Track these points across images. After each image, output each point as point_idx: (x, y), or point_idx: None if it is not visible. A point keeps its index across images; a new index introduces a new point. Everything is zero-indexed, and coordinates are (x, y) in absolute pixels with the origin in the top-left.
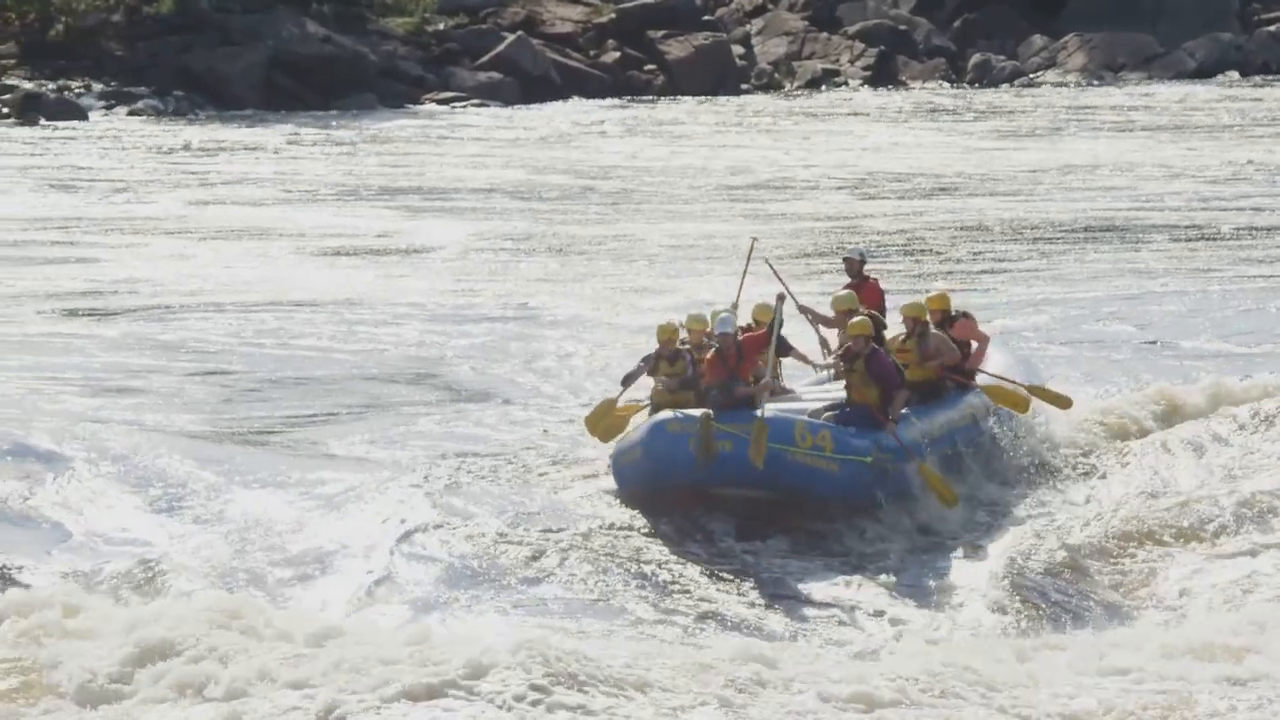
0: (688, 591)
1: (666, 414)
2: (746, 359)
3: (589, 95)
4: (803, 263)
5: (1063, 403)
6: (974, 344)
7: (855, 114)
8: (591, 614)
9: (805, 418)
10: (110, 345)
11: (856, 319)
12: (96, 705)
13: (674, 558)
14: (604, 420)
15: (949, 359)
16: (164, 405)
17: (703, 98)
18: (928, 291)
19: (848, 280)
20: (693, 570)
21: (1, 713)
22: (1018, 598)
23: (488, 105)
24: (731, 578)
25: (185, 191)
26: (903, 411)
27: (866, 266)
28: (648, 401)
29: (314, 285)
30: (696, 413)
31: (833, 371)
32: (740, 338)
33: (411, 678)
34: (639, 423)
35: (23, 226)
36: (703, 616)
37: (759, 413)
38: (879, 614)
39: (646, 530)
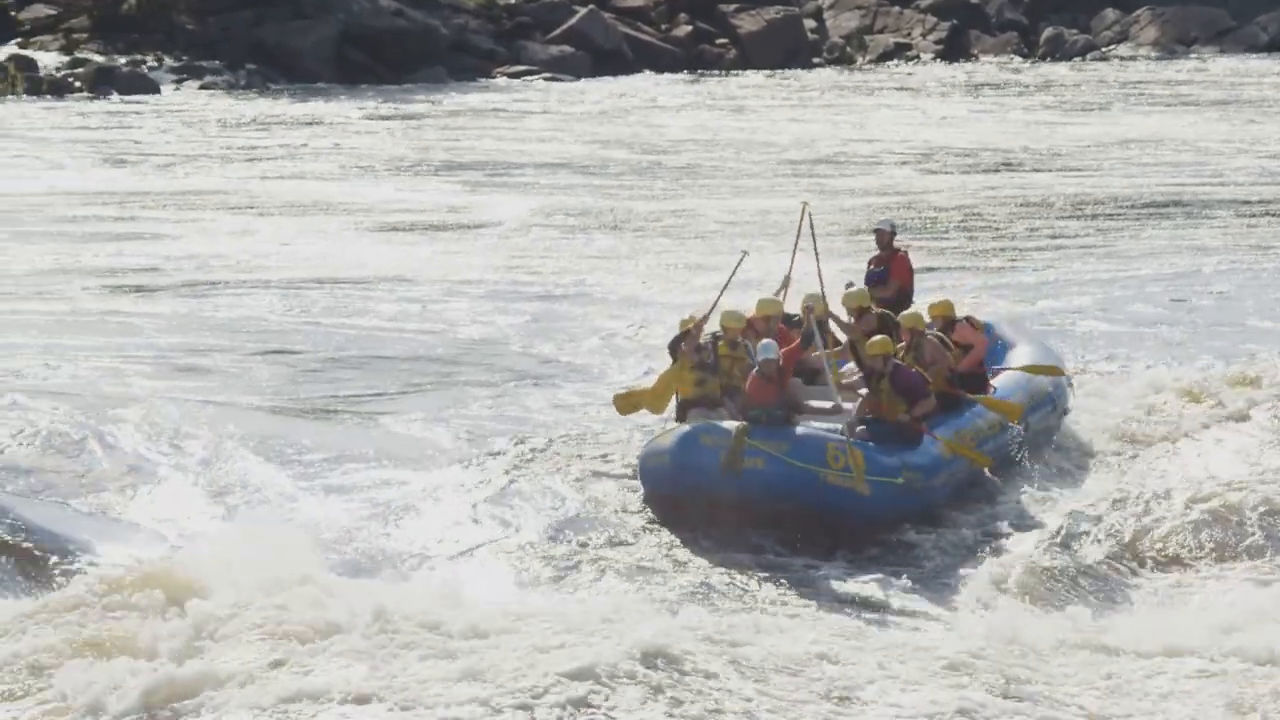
0: (763, 593)
1: (700, 424)
2: (785, 373)
3: (660, 69)
4: (858, 240)
5: (1054, 372)
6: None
7: (924, 88)
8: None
9: (837, 436)
10: (175, 323)
11: (875, 339)
12: (168, 689)
13: (732, 566)
14: (628, 400)
15: (943, 364)
16: (230, 386)
17: (773, 72)
18: (977, 268)
19: (878, 252)
20: (761, 576)
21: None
22: (1064, 589)
23: (559, 79)
24: (789, 584)
25: (252, 166)
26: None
27: (897, 238)
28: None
29: (374, 262)
30: (731, 425)
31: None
32: (781, 361)
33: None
34: (671, 427)
35: (86, 201)
36: (790, 615)
37: (847, 437)
38: (940, 612)
39: (691, 533)
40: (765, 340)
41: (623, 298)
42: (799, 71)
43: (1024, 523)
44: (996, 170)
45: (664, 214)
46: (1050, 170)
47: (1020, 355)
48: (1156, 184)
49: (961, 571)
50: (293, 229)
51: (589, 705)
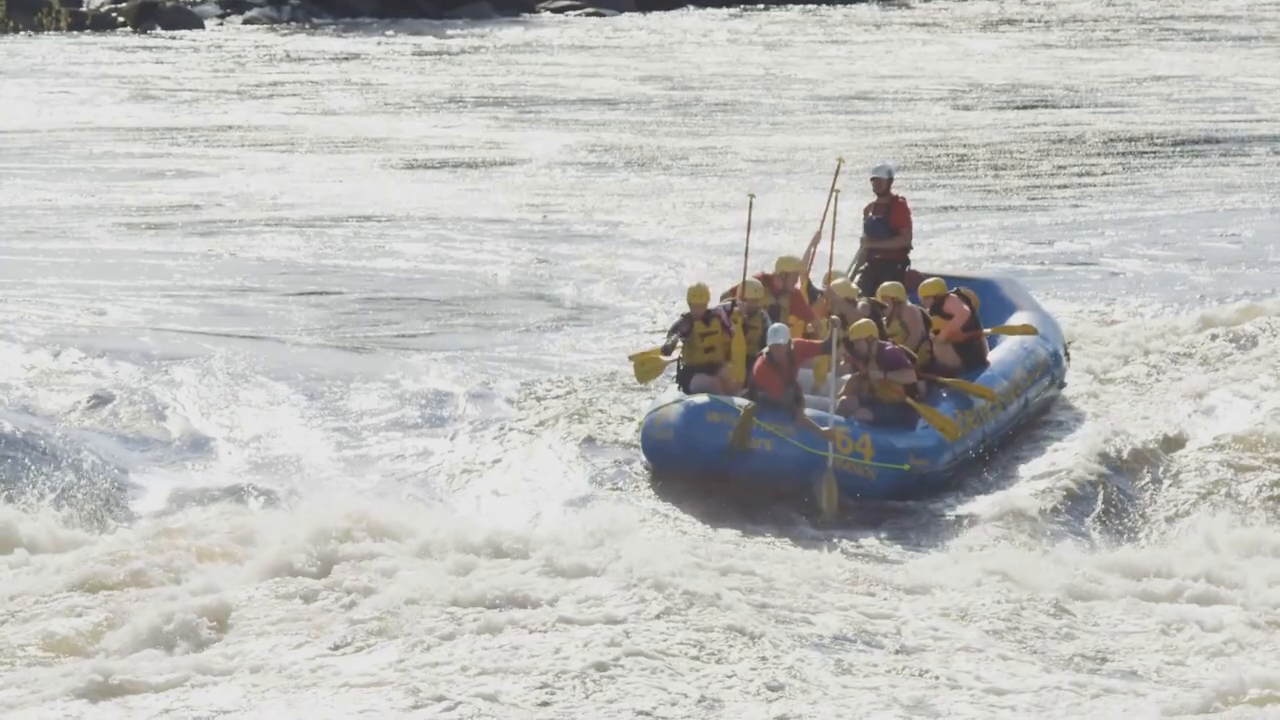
0: (797, 557)
1: (707, 400)
2: (798, 365)
3: (704, 4)
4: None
5: (1027, 331)
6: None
7: (963, 24)
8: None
9: (845, 420)
10: (212, 264)
11: (859, 322)
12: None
13: (757, 535)
14: (645, 367)
15: (917, 332)
16: (272, 331)
17: (816, 7)
18: (999, 207)
19: (875, 198)
20: (789, 543)
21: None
22: (1098, 545)
23: (602, 14)
24: (819, 549)
25: (290, 102)
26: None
27: (894, 184)
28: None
29: (407, 200)
30: (739, 402)
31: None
32: (793, 347)
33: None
34: (676, 398)
35: (120, 138)
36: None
37: (829, 463)
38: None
39: (709, 501)
40: (777, 324)
41: (647, 239)
42: (842, 7)
43: (1041, 488)
44: (1030, 107)
45: (694, 151)
46: (1084, 107)
47: (1017, 320)
48: (1190, 120)
49: (989, 535)
50: (328, 166)
51: (636, 674)
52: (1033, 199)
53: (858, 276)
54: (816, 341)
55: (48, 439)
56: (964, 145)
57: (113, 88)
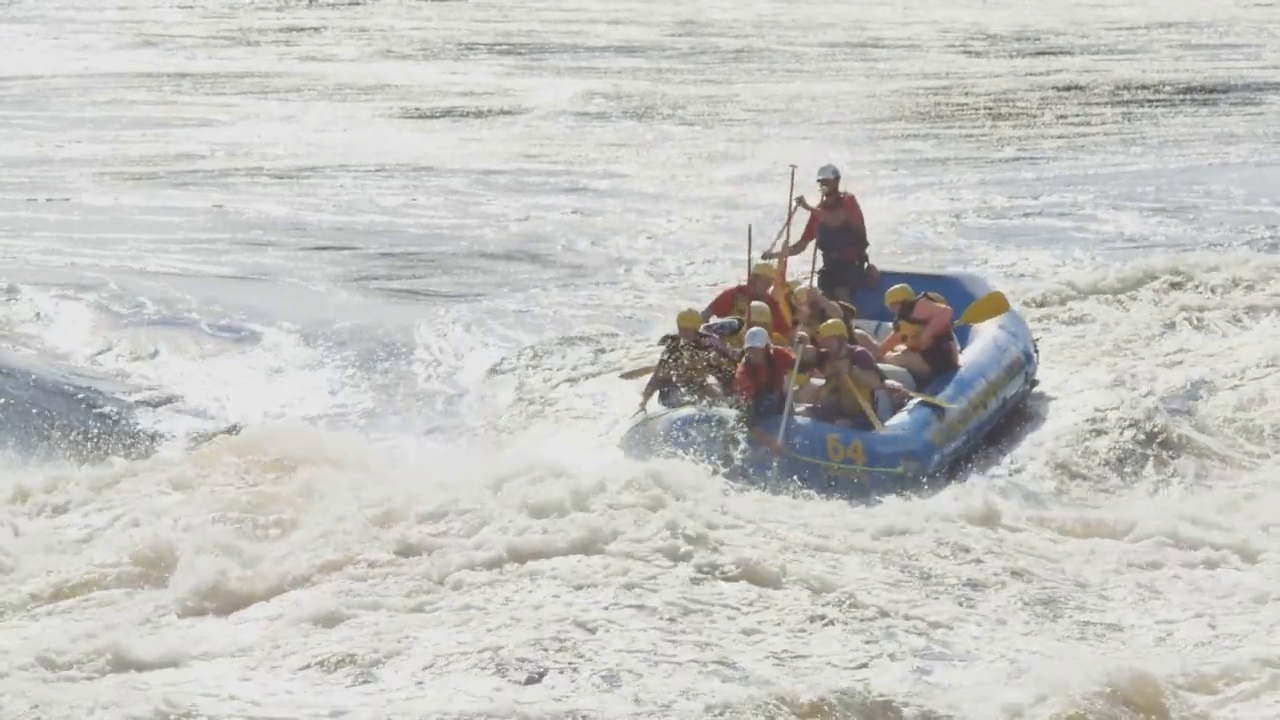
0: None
1: (691, 411)
2: (777, 369)
3: None
4: (879, 127)
5: (999, 307)
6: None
7: None
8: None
9: (835, 426)
10: (217, 217)
11: (828, 322)
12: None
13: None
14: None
15: (862, 342)
16: (296, 286)
17: None
18: (989, 159)
19: (823, 199)
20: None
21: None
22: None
23: None
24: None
25: (301, 48)
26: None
27: (841, 183)
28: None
29: (410, 150)
30: (722, 413)
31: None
32: (772, 351)
33: None
34: (661, 411)
35: (125, 85)
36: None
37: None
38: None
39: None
40: (754, 329)
41: (643, 192)
42: None
43: (1027, 471)
44: (1037, 54)
45: (696, 99)
46: (1090, 54)
47: (985, 324)
48: (1198, 68)
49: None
50: (338, 114)
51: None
52: (1024, 150)
53: (816, 277)
54: (791, 355)
55: (60, 389)
56: (965, 93)
57: (120, 33)
